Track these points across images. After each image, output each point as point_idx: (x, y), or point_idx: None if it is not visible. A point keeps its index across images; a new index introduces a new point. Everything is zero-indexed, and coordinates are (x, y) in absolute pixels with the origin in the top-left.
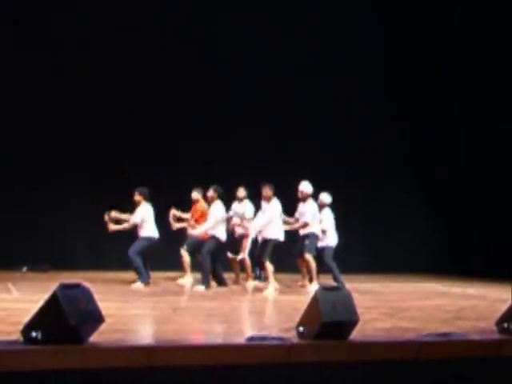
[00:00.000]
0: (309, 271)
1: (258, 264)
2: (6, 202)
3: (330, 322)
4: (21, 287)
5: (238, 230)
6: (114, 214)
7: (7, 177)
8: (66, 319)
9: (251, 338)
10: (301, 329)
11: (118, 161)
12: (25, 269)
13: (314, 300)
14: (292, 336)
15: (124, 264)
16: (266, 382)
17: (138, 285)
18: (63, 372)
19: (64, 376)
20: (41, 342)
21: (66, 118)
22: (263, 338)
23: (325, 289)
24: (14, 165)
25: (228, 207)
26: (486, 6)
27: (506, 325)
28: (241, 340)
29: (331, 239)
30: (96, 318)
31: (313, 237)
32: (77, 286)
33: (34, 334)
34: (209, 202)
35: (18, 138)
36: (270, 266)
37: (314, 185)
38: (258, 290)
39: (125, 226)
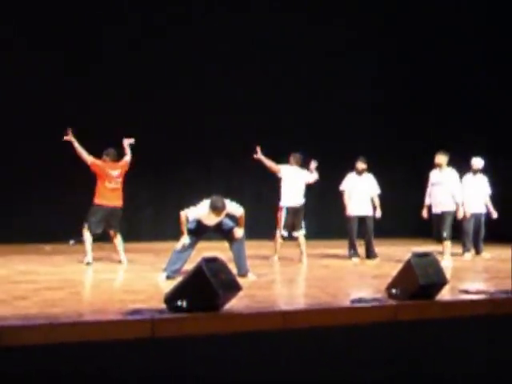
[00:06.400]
0: None
1: None
2: (52, 177)
3: (425, 284)
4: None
5: None
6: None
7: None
8: (214, 289)
9: (355, 300)
10: (393, 291)
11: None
12: (72, 241)
13: (409, 265)
14: (383, 297)
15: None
16: (375, 340)
17: None
18: (202, 337)
19: (204, 340)
20: (185, 310)
21: None
22: (367, 300)
23: (417, 255)
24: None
25: None
26: None
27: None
28: (346, 302)
29: None
30: (234, 287)
31: None
32: (215, 259)
33: (179, 303)
34: None
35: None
36: None
37: None
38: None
39: None
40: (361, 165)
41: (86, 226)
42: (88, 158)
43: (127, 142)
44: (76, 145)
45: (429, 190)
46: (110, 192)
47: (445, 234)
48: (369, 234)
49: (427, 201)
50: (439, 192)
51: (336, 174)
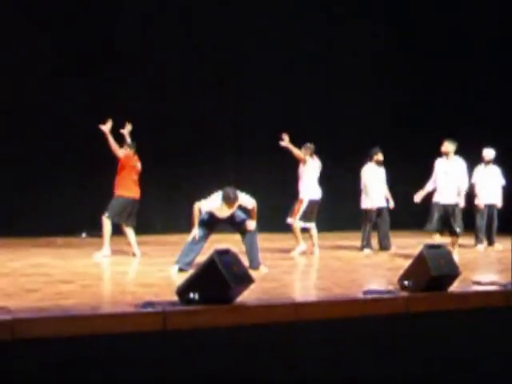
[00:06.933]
0: None
1: None
2: (65, 171)
3: (437, 275)
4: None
5: None
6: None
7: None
8: (226, 282)
9: (367, 292)
10: (405, 282)
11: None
12: (84, 234)
13: (421, 256)
14: (395, 289)
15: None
16: (387, 332)
17: None
18: (214, 329)
19: (217, 333)
20: (197, 302)
21: None
22: (379, 292)
23: (429, 246)
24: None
25: None
26: None
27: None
28: (358, 294)
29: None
30: (246, 280)
31: None
32: (227, 252)
33: (191, 295)
34: None
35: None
36: None
37: None
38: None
39: None
40: (381, 156)
41: (107, 214)
42: (120, 151)
43: (127, 131)
44: (110, 137)
45: (433, 177)
46: (134, 184)
47: (458, 230)
48: (387, 226)
49: (430, 186)
50: (446, 181)
51: (346, 166)
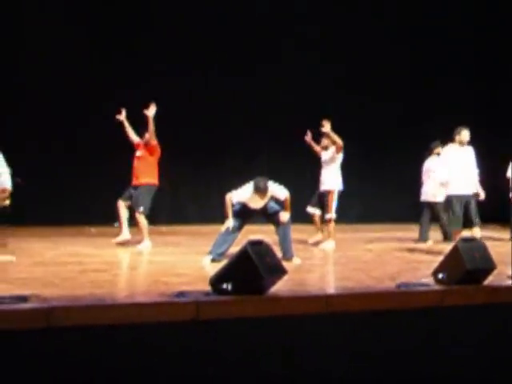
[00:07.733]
0: None
1: None
2: (98, 161)
3: (472, 269)
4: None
5: None
6: None
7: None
8: (259, 273)
9: (401, 285)
10: (440, 275)
11: None
12: (117, 224)
13: (455, 249)
14: (430, 282)
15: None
16: (421, 326)
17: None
18: (246, 320)
19: (249, 323)
20: (230, 292)
21: None
22: (413, 284)
23: (464, 240)
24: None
25: None
26: None
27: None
28: (391, 286)
29: None
30: (279, 271)
31: None
32: (260, 243)
33: (224, 285)
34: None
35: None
36: None
37: None
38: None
39: None
40: (441, 150)
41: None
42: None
43: (151, 113)
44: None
45: (446, 169)
46: (157, 172)
47: (477, 220)
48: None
49: (445, 178)
50: (465, 172)
51: (378, 158)
